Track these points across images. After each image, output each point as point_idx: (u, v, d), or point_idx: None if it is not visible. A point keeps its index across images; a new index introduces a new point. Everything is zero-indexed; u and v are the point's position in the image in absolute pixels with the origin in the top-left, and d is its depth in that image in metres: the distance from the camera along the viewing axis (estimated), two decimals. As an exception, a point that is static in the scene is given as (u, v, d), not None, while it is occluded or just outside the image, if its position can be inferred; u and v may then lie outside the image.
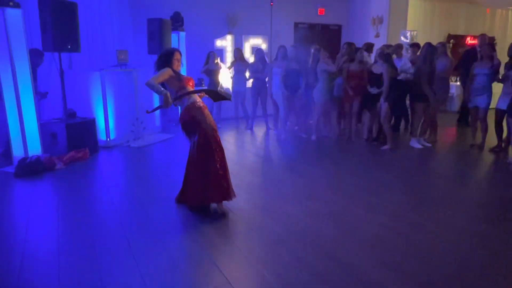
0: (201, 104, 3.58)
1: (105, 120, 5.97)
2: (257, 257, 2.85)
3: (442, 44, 6.25)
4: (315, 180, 4.61)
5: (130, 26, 7.39)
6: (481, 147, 5.91)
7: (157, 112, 7.04)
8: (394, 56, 6.22)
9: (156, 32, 6.53)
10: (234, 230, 3.32)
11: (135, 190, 4.31)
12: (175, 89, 3.51)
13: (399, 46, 6.79)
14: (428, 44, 5.72)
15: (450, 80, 6.02)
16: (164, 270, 2.64)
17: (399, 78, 5.89)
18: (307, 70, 6.48)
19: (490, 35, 10.58)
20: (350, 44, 6.65)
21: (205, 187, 3.49)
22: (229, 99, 3.78)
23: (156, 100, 6.79)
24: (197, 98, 3.59)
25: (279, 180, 4.61)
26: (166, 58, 3.53)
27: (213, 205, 3.62)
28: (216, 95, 3.86)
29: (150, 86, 3.36)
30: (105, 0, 7.00)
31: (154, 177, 4.78)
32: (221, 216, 3.49)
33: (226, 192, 3.55)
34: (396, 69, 5.89)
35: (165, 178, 4.67)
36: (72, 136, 5.35)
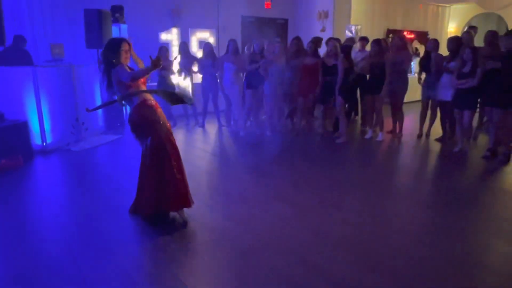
0: (153, 103, 3.26)
1: (39, 122, 5.34)
2: (227, 269, 2.65)
3: (400, 38, 6.33)
4: (276, 178, 4.48)
5: (64, 17, 6.69)
6: (427, 136, 6.22)
7: (100, 111, 6.48)
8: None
9: (94, 24, 5.98)
10: (198, 241, 3.07)
11: (79, 200, 3.86)
12: (124, 86, 3.15)
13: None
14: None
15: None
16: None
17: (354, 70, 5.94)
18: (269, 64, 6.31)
19: (423, 30, 11.29)
20: (299, 39, 6.57)
21: (161, 194, 3.19)
22: (189, 103, 3.43)
23: (98, 98, 6.24)
24: (148, 95, 3.26)
25: (240, 181, 4.42)
26: (112, 50, 3.11)
27: (172, 214, 3.32)
28: (173, 97, 3.34)
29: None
30: (33, -13, 6.27)
31: (100, 185, 4.30)
32: (181, 225, 3.21)
33: (185, 198, 3.29)
34: (351, 61, 5.94)
35: (113, 186, 4.24)
36: (1, 141, 4.71)
